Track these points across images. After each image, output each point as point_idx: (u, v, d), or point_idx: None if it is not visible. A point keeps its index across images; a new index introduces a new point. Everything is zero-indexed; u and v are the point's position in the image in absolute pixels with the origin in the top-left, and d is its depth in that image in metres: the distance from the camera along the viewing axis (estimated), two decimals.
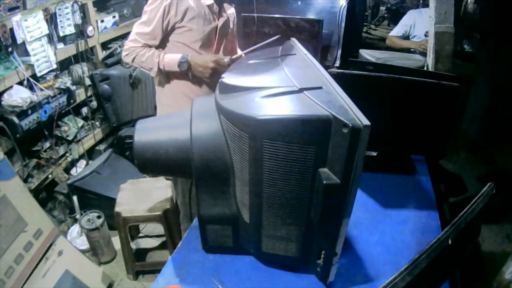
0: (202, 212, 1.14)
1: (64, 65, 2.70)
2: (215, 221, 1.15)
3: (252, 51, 1.74)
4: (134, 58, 1.81)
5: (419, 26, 3.22)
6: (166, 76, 1.91)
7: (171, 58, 1.80)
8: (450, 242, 0.86)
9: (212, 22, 1.86)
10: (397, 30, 3.36)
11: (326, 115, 0.86)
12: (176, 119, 1.20)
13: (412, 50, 3.15)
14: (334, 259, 1.01)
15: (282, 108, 0.93)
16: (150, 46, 1.81)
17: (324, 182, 0.88)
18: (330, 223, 0.96)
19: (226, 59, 1.81)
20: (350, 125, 0.81)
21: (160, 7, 1.72)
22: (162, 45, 1.85)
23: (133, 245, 2.51)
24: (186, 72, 1.83)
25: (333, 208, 0.92)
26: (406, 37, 3.33)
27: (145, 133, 1.13)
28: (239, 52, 2.08)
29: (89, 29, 2.79)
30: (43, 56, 2.44)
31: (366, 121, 0.82)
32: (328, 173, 0.90)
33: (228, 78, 1.13)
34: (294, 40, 1.45)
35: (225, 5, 1.95)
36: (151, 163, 1.13)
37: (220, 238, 1.19)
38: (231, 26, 2.03)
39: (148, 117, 1.30)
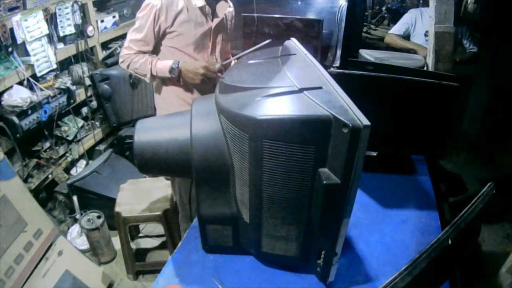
0: (202, 212, 1.14)
1: (64, 65, 2.70)
2: (215, 221, 1.15)
3: (244, 55, 1.72)
4: (128, 65, 1.81)
5: (420, 25, 3.21)
6: (162, 81, 1.90)
7: (162, 65, 1.78)
8: (450, 242, 0.86)
9: (204, 24, 1.82)
10: (398, 28, 3.32)
11: (326, 115, 0.86)
12: (176, 119, 1.20)
13: (412, 51, 3.14)
14: (334, 259, 1.01)
15: (282, 108, 0.93)
16: (144, 52, 1.80)
17: (324, 182, 0.88)
18: (330, 223, 0.96)
19: (217, 65, 1.78)
20: (350, 125, 0.81)
21: (151, 13, 1.72)
22: (156, 50, 1.84)
23: (133, 245, 2.51)
24: (177, 79, 1.82)
25: (333, 208, 0.92)
26: (406, 36, 3.31)
27: (145, 133, 1.13)
28: (231, 57, 2.05)
29: (89, 29, 2.79)
30: (43, 56, 2.44)
31: (366, 121, 0.82)
32: (328, 173, 0.90)
33: (228, 78, 1.13)
34: (294, 40, 1.45)
35: (221, 4, 1.90)
36: (151, 163, 1.13)
37: (220, 238, 1.19)
38: (228, 25, 1.98)
39: (148, 117, 1.30)
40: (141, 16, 1.76)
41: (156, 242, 2.61)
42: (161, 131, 1.15)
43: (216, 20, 1.86)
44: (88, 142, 2.92)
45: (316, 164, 0.91)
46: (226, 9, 1.92)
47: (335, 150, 0.87)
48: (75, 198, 2.51)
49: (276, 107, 0.94)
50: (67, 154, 2.74)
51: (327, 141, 0.88)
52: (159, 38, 1.80)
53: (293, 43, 1.35)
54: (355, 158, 0.85)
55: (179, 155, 1.10)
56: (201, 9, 1.80)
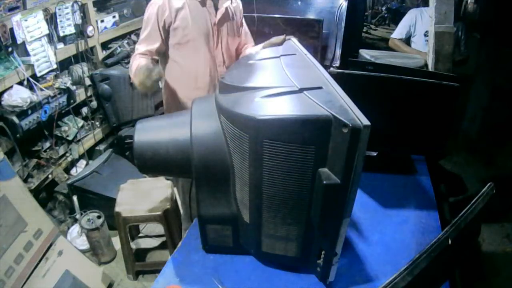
0: (202, 212, 1.14)
1: (64, 65, 2.70)
2: (215, 221, 1.15)
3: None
4: (130, 68, 1.73)
5: (420, 24, 3.20)
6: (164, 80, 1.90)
7: (134, 67, 1.66)
8: (450, 242, 0.86)
9: (207, 18, 1.81)
10: (400, 31, 3.29)
11: (326, 115, 0.86)
12: (176, 119, 1.20)
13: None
14: (334, 259, 1.01)
15: (282, 108, 0.93)
16: (149, 52, 1.77)
17: (324, 182, 0.88)
18: (330, 223, 0.96)
19: (156, 69, 1.58)
20: (350, 125, 0.81)
21: (154, 10, 1.73)
22: (165, 50, 1.83)
23: (133, 245, 2.51)
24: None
25: (333, 208, 0.92)
26: (408, 37, 3.30)
27: (145, 133, 1.13)
28: (244, 51, 2.00)
29: (89, 29, 2.78)
30: (43, 56, 2.44)
31: (366, 121, 0.82)
32: (328, 173, 0.90)
33: (228, 78, 1.13)
34: (294, 40, 1.45)
35: None
36: (151, 163, 1.13)
37: (220, 238, 1.19)
38: (235, 20, 1.93)
39: (148, 117, 1.30)
40: (145, 16, 1.77)
41: (156, 242, 2.60)
42: (161, 131, 1.15)
43: (220, 14, 1.83)
44: (88, 142, 2.92)
45: (316, 164, 0.91)
46: (227, 3, 1.87)
47: (335, 150, 0.87)
48: (75, 198, 2.51)
49: (276, 107, 0.94)
50: (67, 154, 2.74)
51: (327, 141, 0.88)
52: (166, 35, 1.79)
53: (293, 43, 1.36)
54: (355, 158, 0.85)
55: (179, 155, 1.09)
56: (202, 3, 1.79)
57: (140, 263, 2.37)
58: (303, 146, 0.89)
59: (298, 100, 0.94)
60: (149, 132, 1.14)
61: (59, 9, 2.53)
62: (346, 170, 0.86)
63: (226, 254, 1.22)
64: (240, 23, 2.01)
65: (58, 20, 2.54)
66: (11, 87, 2.24)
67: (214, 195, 1.11)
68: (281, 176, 0.94)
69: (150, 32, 1.76)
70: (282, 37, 1.59)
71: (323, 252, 1.04)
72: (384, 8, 8.25)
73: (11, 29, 2.20)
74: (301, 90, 0.95)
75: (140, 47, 1.79)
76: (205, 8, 1.80)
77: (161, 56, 1.88)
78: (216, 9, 1.84)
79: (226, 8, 1.86)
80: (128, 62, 2.92)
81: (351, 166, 0.86)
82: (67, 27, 2.62)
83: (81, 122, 2.85)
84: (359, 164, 0.86)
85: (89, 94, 2.87)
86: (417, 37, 3.23)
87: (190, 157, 1.06)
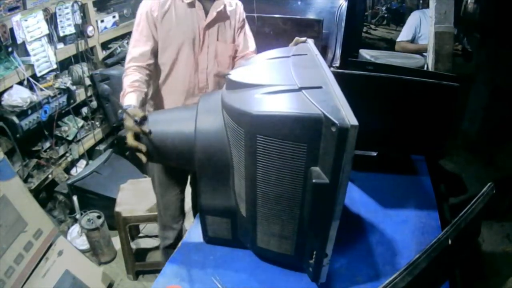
0: (203, 203, 1.17)
1: (64, 65, 2.70)
2: (215, 213, 1.18)
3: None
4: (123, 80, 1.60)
5: (424, 26, 3.19)
6: (154, 92, 1.79)
7: (124, 100, 1.48)
8: (450, 242, 0.85)
9: (194, 23, 1.67)
10: (405, 34, 3.27)
11: (318, 114, 0.87)
12: (183, 113, 1.24)
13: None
14: (325, 260, 1.01)
15: (278, 105, 0.94)
16: (145, 58, 1.63)
17: (314, 180, 0.89)
18: (320, 223, 0.96)
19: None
20: (338, 124, 0.82)
21: (144, 9, 1.63)
22: (156, 55, 1.69)
23: (133, 245, 2.51)
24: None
25: (322, 208, 0.93)
26: (413, 39, 3.27)
27: (155, 124, 1.19)
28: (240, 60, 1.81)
29: (89, 29, 2.78)
30: (43, 56, 2.44)
31: (354, 121, 0.82)
32: (319, 172, 0.90)
33: (235, 75, 1.15)
34: (310, 41, 1.45)
35: (218, 2, 1.69)
36: (158, 152, 1.19)
37: (219, 230, 1.21)
38: (229, 25, 1.78)
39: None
40: (136, 17, 1.66)
41: (156, 242, 2.60)
42: (169, 123, 1.21)
43: (208, 18, 1.69)
44: (88, 142, 2.92)
45: (308, 162, 0.92)
46: (220, 7, 1.71)
47: (325, 149, 0.88)
48: (75, 198, 2.51)
49: (272, 104, 0.95)
50: (67, 154, 2.74)
51: (318, 140, 0.88)
52: (157, 37, 1.66)
53: (308, 44, 1.37)
54: (343, 158, 0.85)
55: (184, 147, 1.14)
56: (190, 4, 1.66)
57: (140, 263, 2.37)
58: (295, 143, 0.90)
59: (295, 98, 0.95)
60: (159, 124, 1.20)
61: (59, 9, 2.53)
62: (334, 169, 0.87)
63: (226, 254, 1.22)
64: (239, 27, 1.84)
65: (58, 20, 2.54)
66: (11, 87, 2.24)
67: (215, 187, 1.14)
68: (275, 172, 0.95)
69: (142, 31, 1.63)
70: (303, 39, 1.52)
71: (314, 253, 1.04)
72: (384, 8, 8.26)
73: (11, 29, 2.20)
74: (300, 89, 0.96)
75: (133, 51, 1.63)
76: (194, 10, 1.67)
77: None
78: (207, 12, 1.69)
79: (218, 13, 1.71)
80: None
81: (339, 165, 0.86)
82: (67, 27, 2.62)
83: (81, 122, 2.85)
84: (347, 164, 0.86)
85: (89, 94, 2.87)
86: (423, 38, 3.21)
87: (193, 149, 1.11)
